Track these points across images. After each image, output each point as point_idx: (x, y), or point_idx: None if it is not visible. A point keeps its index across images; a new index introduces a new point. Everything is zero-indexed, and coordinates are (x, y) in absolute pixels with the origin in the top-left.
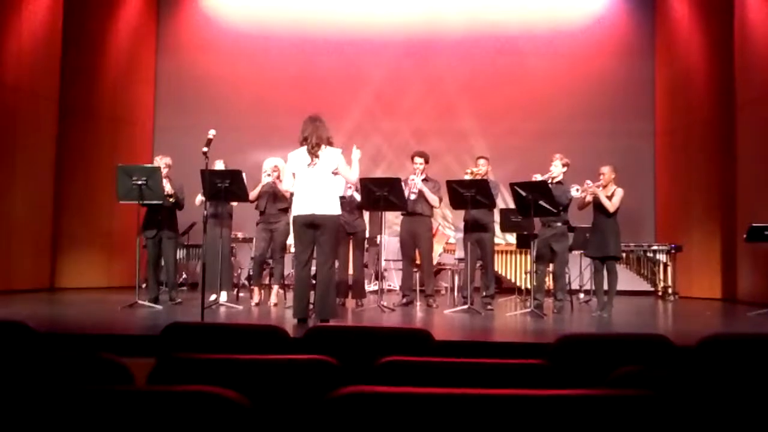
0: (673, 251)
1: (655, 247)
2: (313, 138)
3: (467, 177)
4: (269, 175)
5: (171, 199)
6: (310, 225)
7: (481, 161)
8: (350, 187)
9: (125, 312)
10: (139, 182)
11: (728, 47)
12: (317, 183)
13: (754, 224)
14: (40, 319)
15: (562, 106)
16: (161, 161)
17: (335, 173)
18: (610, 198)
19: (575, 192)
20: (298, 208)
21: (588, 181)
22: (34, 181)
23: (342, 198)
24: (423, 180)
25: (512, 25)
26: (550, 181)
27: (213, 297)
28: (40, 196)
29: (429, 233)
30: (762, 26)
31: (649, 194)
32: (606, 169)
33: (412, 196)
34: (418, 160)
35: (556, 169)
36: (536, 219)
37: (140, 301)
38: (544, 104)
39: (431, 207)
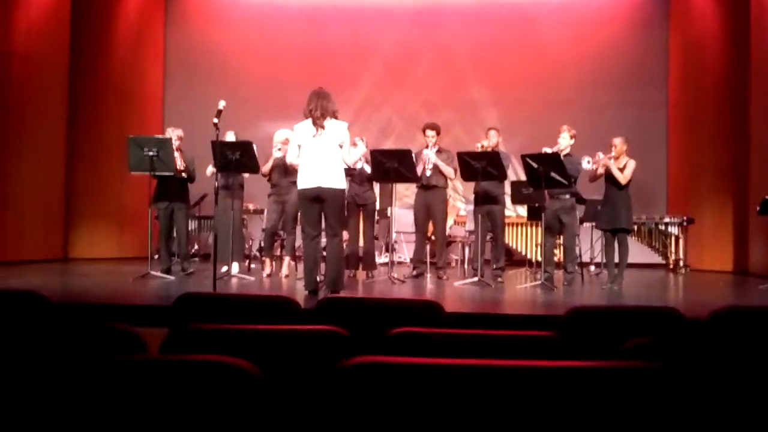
0: (684, 224)
1: (666, 220)
2: (318, 110)
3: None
4: (279, 149)
5: (183, 174)
6: (316, 198)
7: (492, 132)
8: (360, 159)
9: (138, 282)
10: (150, 153)
11: (745, 14)
12: (322, 155)
13: (767, 197)
14: (53, 289)
15: (573, 76)
16: (173, 133)
17: (340, 145)
18: (621, 170)
19: (586, 164)
20: (303, 182)
21: (599, 153)
22: (44, 150)
23: (352, 170)
24: (436, 152)
25: None
26: (559, 152)
27: (225, 268)
28: (51, 166)
29: (443, 205)
30: None
31: (661, 166)
32: (618, 141)
33: (428, 172)
34: (430, 132)
35: (564, 141)
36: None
37: (152, 272)
38: (554, 74)
39: (446, 179)
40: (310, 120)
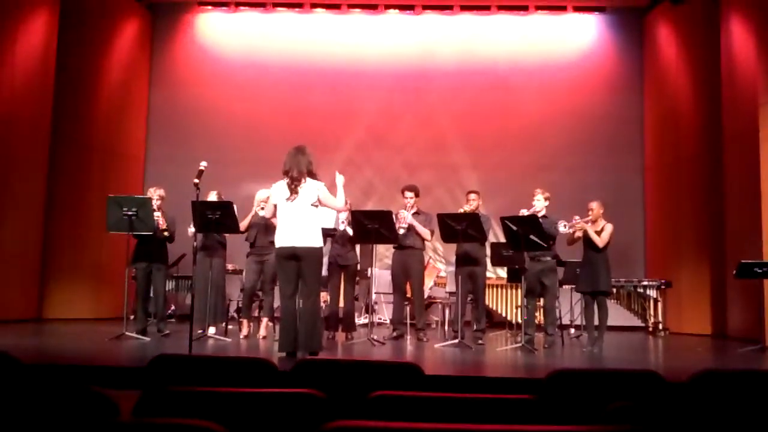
0: (663, 287)
1: (645, 283)
2: (294, 171)
3: None
4: (262, 208)
5: (165, 234)
6: (292, 257)
7: (472, 195)
8: (343, 222)
9: (112, 343)
10: (129, 213)
11: (716, 84)
12: (298, 216)
13: (743, 261)
14: (26, 350)
15: (552, 141)
16: (155, 193)
17: (315, 205)
18: (599, 233)
19: (563, 228)
20: (279, 241)
21: (576, 217)
22: (24, 210)
23: (334, 231)
24: (414, 213)
25: (502, 61)
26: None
27: (201, 330)
28: (29, 226)
29: (421, 266)
30: (748, 63)
31: (639, 229)
32: (594, 205)
33: (402, 231)
34: (409, 194)
35: (539, 204)
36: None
37: (128, 333)
38: (534, 138)
39: (423, 240)
40: (286, 181)
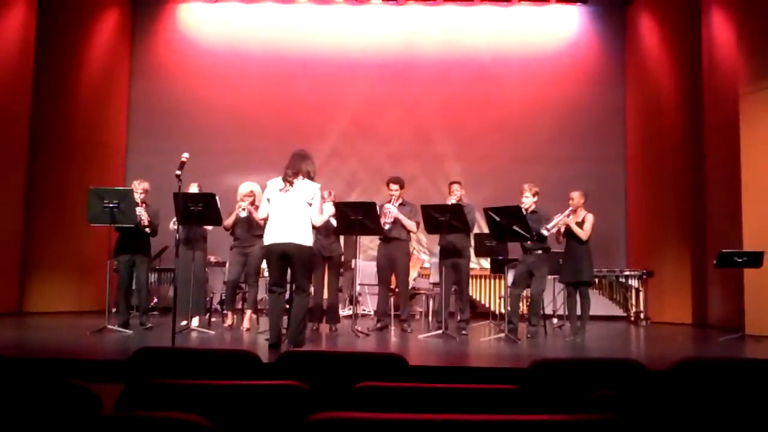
0: (644, 276)
1: (626, 273)
2: (291, 168)
3: None
4: (244, 209)
5: (147, 229)
6: (283, 255)
7: (455, 186)
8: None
9: (94, 337)
10: (111, 205)
11: (697, 74)
12: (290, 211)
13: (723, 250)
14: (5, 344)
15: (535, 132)
16: (139, 186)
17: (310, 203)
18: (581, 225)
19: (545, 232)
20: (270, 237)
21: (556, 216)
22: (3, 203)
23: None
24: (399, 205)
25: (485, 52)
26: (525, 212)
27: (184, 322)
28: (8, 218)
29: (406, 258)
30: (728, 51)
31: (620, 219)
32: (575, 194)
33: (387, 225)
34: (393, 186)
35: (528, 200)
36: (518, 245)
37: (110, 326)
38: (517, 129)
39: (408, 231)
40: (282, 176)
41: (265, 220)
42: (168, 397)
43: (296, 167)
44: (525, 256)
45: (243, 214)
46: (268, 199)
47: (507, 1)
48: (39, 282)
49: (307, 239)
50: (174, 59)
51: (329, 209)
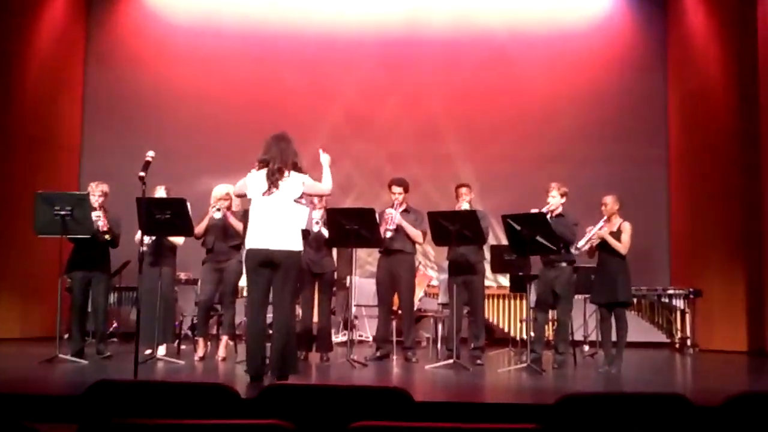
0: (691, 296)
1: (670, 292)
2: (276, 162)
3: None
4: (218, 209)
5: (107, 237)
6: (266, 263)
7: (464, 189)
8: (317, 223)
9: (43, 368)
10: (63, 213)
11: (752, 60)
12: (275, 214)
13: None
14: None
15: (560, 127)
16: (96, 189)
17: (299, 201)
18: (617, 236)
19: (575, 251)
20: (252, 242)
21: (589, 228)
22: None
23: (307, 233)
24: (403, 211)
25: (502, 32)
26: (549, 214)
27: (149, 351)
28: None
29: (411, 274)
30: None
31: (662, 229)
32: (609, 199)
33: (389, 234)
34: (397, 189)
35: (555, 201)
36: (538, 257)
37: (62, 355)
38: (539, 124)
39: (414, 243)
40: (265, 171)
41: (245, 225)
42: None
43: (283, 161)
44: (545, 270)
45: (217, 215)
46: (246, 194)
47: None
48: None
49: (297, 244)
50: (136, 41)
51: (326, 161)
